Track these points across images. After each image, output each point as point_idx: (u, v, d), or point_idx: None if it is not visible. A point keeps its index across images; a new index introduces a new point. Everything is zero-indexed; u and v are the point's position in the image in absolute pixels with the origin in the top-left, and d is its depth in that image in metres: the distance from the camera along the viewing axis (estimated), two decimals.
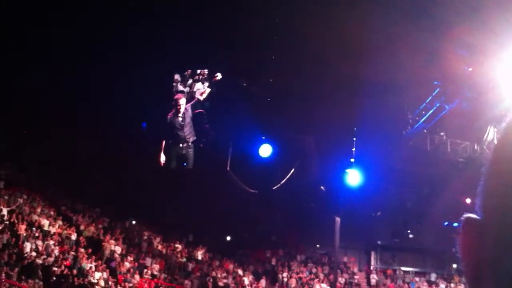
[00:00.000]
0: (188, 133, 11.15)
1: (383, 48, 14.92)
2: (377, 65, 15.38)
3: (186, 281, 25.31)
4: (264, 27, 15.67)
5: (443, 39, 14.57)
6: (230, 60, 15.99)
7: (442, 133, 18.75)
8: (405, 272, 31.58)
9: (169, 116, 11.18)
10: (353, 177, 20.04)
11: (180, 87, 11.89)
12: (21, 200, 21.97)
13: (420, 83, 16.62)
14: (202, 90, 11.83)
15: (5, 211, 19.69)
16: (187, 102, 11.26)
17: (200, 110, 11.57)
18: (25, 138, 25.78)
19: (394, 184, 22.55)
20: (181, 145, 11.17)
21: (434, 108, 17.16)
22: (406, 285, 29.60)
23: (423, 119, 17.76)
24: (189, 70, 12.62)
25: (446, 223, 26.06)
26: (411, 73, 15.84)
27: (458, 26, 14.25)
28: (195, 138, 11.34)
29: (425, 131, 18.48)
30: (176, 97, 11.19)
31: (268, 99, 17.69)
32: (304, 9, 14.73)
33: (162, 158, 11.30)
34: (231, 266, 29.43)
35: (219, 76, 11.50)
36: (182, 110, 10.94)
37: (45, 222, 21.56)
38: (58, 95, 21.35)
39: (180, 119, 11.00)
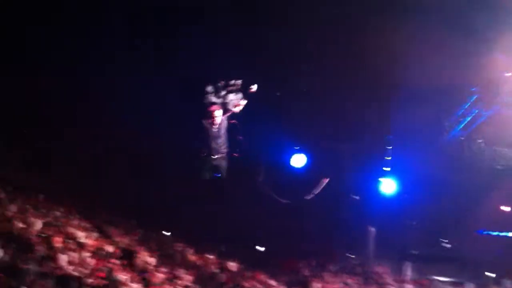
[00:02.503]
0: (222, 144, 11.13)
1: (419, 54, 14.70)
2: (413, 71, 15.18)
3: None
4: (295, 35, 15.62)
5: (480, 43, 14.32)
6: (262, 69, 15.93)
7: (480, 140, 18.37)
8: (441, 282, 30.96)
9: (204, 122, 11.16)
10: (388, 186, 19.75)
11: (213, 99, 11.86)
12: (58, 213, 22.18)
13: (457, 89, 16.32)
14: (235, 101, 11.77)
15: (40, 223, 19.88)
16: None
17: (233, 121, 11.53)
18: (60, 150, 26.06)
19: (430, 193, 22.13)
20: (215, 156, 11.15)
21: (472, 114, 16.82)
22: None
23: (460, 126, 17.41)
24: (222, 82, 12.56)
25: (483, 232, 25.55)
26: (447, 79, 15.57)
27: (495, 30, 14.01)
28: (228, 149, 11.32)
29: (462, 138, 18.12)
30: (211, 109, 11.16)
31: (302, 109, 17.57)
32: (338, 15, 14.62)
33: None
34: (263, 277, 29.24)
35: (254, 88, 11.41)
36: (218, 121, 10.90)
37: (80, 234, 21.71)
38: (95, 108, 21.58)
39: (216, 130, 10.97)
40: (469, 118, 16.94)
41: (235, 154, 12.08)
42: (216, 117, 10.93)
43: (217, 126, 11.00)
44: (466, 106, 16.83)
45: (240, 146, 12.35)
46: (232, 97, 11.90)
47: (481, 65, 14.93)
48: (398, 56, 15.07)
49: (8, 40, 18.44)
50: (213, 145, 11.10)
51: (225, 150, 11.42)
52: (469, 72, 15.31)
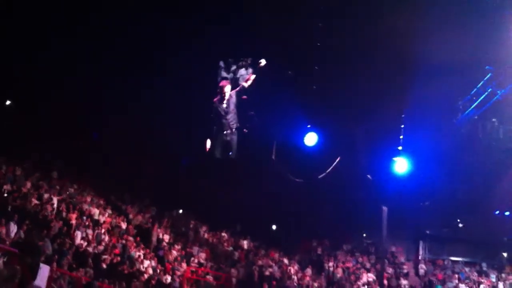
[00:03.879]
0: (232, 119, 11.04)
1: (433, 32, 14.52)
2: (426, 50, 15.03)
3: (233, 270, 25.43)
4: (309, 14, 15.51)
5: (495, 23, 14.09)
6: (275, 47, 15.87)
7: (494, 120, 18.12)
8: (454, 262, 30.87)
9: (214, 102, 11.13)
10: (401, 166, 19.63)
11: (224, 74, 11.83)
12: (72, 190, 22.47)
13: (471, 68, 16.11)
14: (246, 76, 11.74)
15: (55, 201, 20.14)
16: (231, 89, 11.16)
17: (245, 97, 11.45)
18: (77, 131, 26.31)
19: (444, 173, 21.97)
20: (225, 132, 11.10)
21: (486, 93, 16.58)
22: (456, 275, 28.93)
23: (474, 105, 17.19)
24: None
25: (497, 212, 25.37)
26: (461, 58, 15.37)
27: (510, 10, 13.79)
28: (238, 125, 11.26)
29: (476, 117, 17.90)
30: (221, 84, 11.08)
31: (314, 87, 17.47)
32: None
33: (208, 144, 11.27)
34: (276, 255, 29.42)
35: (263, 62, 11.32)
36: (227, 97, 10.85)
37: (95, 212, 21.99)
38: (105, 84, 21.68)
39: (225, 105, 10.89)
40: (483, 97, 16.72)
41: (245, 130, 12.02)
42: (225, 92, 10.87)
43: (227, 101, 10.92)
44: (480, 85, 16.62)
45: (251, 121, 12.30)
46: (242, 72, 11.85)
47: (496, 44, 14.70)
48: (413, 36, 14.92)
49: None
50: (223, 120, 11.04)
51: (234, 126, 11.33)
52: (483, 51, 15.10)
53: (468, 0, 13.85)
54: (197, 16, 17.05)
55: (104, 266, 18.57)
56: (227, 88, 10.82)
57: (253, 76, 11.05)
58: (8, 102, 26.50)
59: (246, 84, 10.93)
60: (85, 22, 18.88)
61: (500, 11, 13.42)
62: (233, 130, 11.06)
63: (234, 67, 11.68)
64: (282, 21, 15.68)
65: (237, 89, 10.97)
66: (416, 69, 15.92)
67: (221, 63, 11.86)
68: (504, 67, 15.46)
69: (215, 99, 10.98)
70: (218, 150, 11.22)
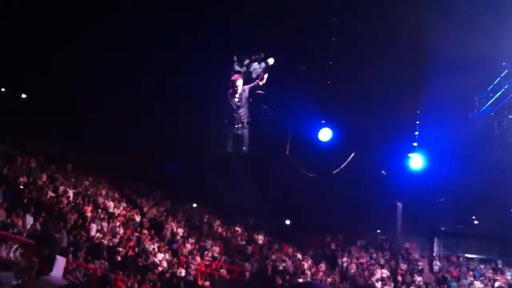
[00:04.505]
0: (244, 114, 11.03)
1: (450, 28, 14.40)
2: (443, 46, 14.91)
3: (246, 264, 25.54)
4: (324, 9, 15.46)
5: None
6: (289, 42, 15.86)
7: (510, 116, 17.95)
8: (469, 259, 30.75)
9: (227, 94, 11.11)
10: (416, 161, 19.52)
11: (237, 67, 11.84)
12: (87, 183, 22.69)
13: (488, 64, 15.95)
14: (259, 70, 11.73)
15: (71, 193, 20.37)
16: (244, 83, 11.15)
17: (259, 92, 11.43)
18: (90, 123, 26.54)
19: (459, 169, 21.79)
20: (236, 125, 11.08)
21: (502, 90, 16.40)
22: (471, 272, 28.81)
23: (490, 101, 17.01)
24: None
25: None
26: (478, 54, 15.23)
27: None
28: (249, 120, 11.24)
29: (492, 114, 17.72)
30: (233, 78, 11.05)
31: (328, 82, 17.43)
32: None
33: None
34: (290, 250, 29.49)
35: (271, 61, 11.31)
36: (239, 91, 10.83)
37: (110, 204, 22.20)
38: (118, 80, 21.82)
39: (237, 99, 10.88)
40: (499, 94, 16.56)
41: (260, 119, 12.03)
42: (237, 86, 10.84)
43: (239, 95, 10.89)
44: (496, 81, 16.46)
45: (265, 115, 12.30)
46: (255, 66, 11.84)
47: None
48: (429, 31, 14.81)
49: None
50: (235, 114, 11.02)
51: (246, 120, 11.30)
52: (500, 47, 14.95)
53: None
54: (211, 8, 17.07)
55: (119, 258, 18.76)
56: (239, 82, 10.82)
57: (266, 75, 11.05)
58: (23, 96, 26.80)
59: (260, 83, 10.94)
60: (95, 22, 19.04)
61: None
62: (245, 124, 11.05)
63: (247, 61, 11.67)
64: (296, 16, 15.63)
65: (251, 85, 10.97)
66: (432, 64, 15.79)
67: (234, 57, 11.86)
68: None
69: (228, 92, 11.00)
70: (229, 144, 11.24)
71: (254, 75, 11.30)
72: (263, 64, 11.39)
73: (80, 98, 23.93)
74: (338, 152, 20.07)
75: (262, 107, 11.41)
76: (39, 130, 23.64)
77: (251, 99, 10.94)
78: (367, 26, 15.92)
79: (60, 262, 14.36)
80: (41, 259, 9.07)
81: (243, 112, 10.97)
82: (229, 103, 10.94)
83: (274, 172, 25.64)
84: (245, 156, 11.88)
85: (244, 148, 11.37)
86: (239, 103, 10.87)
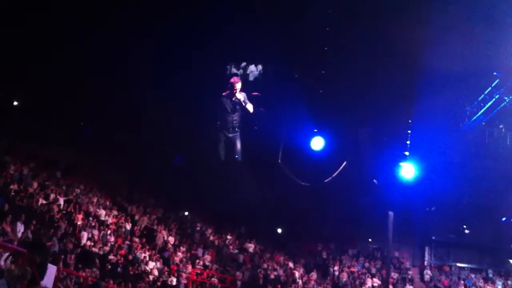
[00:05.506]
0: (237, 118, 10.95)
1: (440, 39, 14.53)
2: (434, 56, 15.02)
3: (238, 273, 25.47)
4: (317, 18, 15.54)
5: (503, 29, 14.10)
6: (282, 51, 15.93)
7: (501, 126, 18.12)
8: (460, 268, 30.83)
9: (222, 96, 10.98)
10: (408, 171, 19.58)
11: (234, 70, 11.80)
12: (78, 190, 22.58)
13: (479, 74, 16.09)
14: (256, 73, 11.72)
15: (62, 201, 20.26)
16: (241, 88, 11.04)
17: (256, 93, 11.36)
18: (82, 128, 26.51)
19: (451, 178, 21.92)
20: (228, 128, 10.98)
21: (493, 100, 16.54)
22: (462, 282, 28.87)
23: (481, 111, 17.15)
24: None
25: (504, 219, 25.29)
26: (469, 64, 15.37)
27: None
28: (241, 126, 11.15)
29: (483, 123, 17.88)
30: (232, 80, 10.93)
31: (321, 91, 17.49)
32: (359, 1, 14.53)
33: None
34: (282, 259, 29.44)
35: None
36: (237, 95, 10.70)
37: (101, 212, 22.09)
38: (115, 79, 21.81)
39: (232, 103, 10.79)
40: (490, 103, 16.69)
41: (255, 127, 11.96)
42: (236, 89, 10.73)
43: (236, 99, 10.78)
44: (487, 91, 16.59)
45: (261, 119, 12.25)
46: (252, 68, 11.82)
47: (504, 50, 14.69)
48: (420, 41, 14.91)
49: None
50: (228, 118, 10.91)
51: (238, 125, 11.20)
52: (491, 57, 15.08)
53: (476, 7, 13.83)
54: (204, 18, 17.13)
55: (110, 266, 18.65)
56: (238, 85, 10.71)
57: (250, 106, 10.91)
58: (15, 103, 26.71)
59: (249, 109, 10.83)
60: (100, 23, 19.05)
61: (507, 18, 13.41)
62: (236, 129, 10.95)
63: (244, 63, 11.67)
64: (289, 25, 15.72)
65: (245, 102, 10.82)
66: (424, 74, 15.89)
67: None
68: (511, 73, 15.44)
69: (224, 93, 10.89)
70: (222, 152, 11.15)
71: (251, 78, 11.29)
72: (260, 67, 11.39)
73: (73, 103, 23.89)
74: (330, 161, 20.10)
75: (259, 109, 11.29)
76: (32, 135, 23.57)
77: (246, 104, 10.79)
78: (360, 36, 16.01)
79: (51, 271, 14.24)
80: (33, 268, 9.00)
81: (236, 116, 10.88)
82: (223, 105, 10.83)
83: (266, 181, 25.65)
84: (237, 165, 11.81)
85: (236, 156, 11.30)
86: (233, 107, 10.78)
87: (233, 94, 10.67)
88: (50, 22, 19.40)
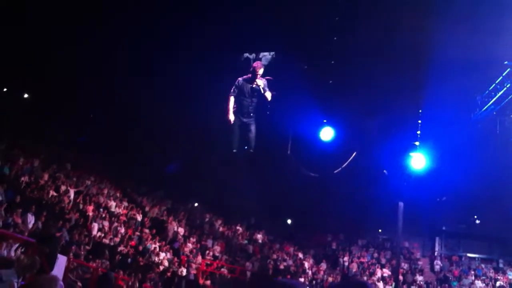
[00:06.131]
0: (253, 103, 10.82)
1: (451, 27, 14.37)
2: (444, 45, 14.88)
3: (247, 263, 25.53)
4: (326, 8, 15.43)
5: None
6: (291, 41, 15.85)
7: None
8: (471, 258, 30.73)
9: (240, 80, 10.84)
10: (418, 161, 19.47)
11: (246, 54, 11.72)
12: (88, 182, 22.68)
13: (490, 63, 15.92)
14: (269, 57, 11.63)
15: (72, 193, 20.36)
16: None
17: (269, 78, 11.24)
18: (92, 122, 26.59)
19: (461, 169, 21.78)
20: (244, 114, 10.86)
21: (504, 89, 16.39)
22: (472, 272, 28.79)
23: (492, 100, 17.00)
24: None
25: None
26: (479, 53, 15.20)
27: None
28: (255, 114, 11.03)
29: (494, 113, 17.73)
30: (255, 65, 10.80)
31: (330, 81, 17.39)
32: None
33: (231, 116, 10.96)
34: (291, 249, 29.48)
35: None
36: (258, 80, 10.56)
37: (111, 204, 22.19)
38: (119, 80, 21.85)
39: (251, 87, 10.67)
40: (501, 93, 16.53)
41: (267, 112, 11.84)
42: (258, 74, 10.62)
43: (256, 85, 10.66)
44: (499, 80, 16.43)
45: (273, 103, 12.13)
46: (265, 53, 11.74)
47: None
48: (430, 30, 14.78)
49: None
50: (244, 101, 10.79)
51: (253, 111, 11.07)
52: (502, 46, 14.92)
53: None
54: (212, 9, 17.08)
55: (120, 257, 18.75)
56: (261, 71, 10.58)
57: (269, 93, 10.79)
58: (26, 95, 26.83)
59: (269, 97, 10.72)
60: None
61: None
62: (251, 114, 10.82)
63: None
64: (298, 15, 15.62)
65: (264, 89, 10.68)
66: (434, 63, 15.74)
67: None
68: None
69: (240, 78, 10.76)
70: (235, 139, 11.00)
71: (264, 62, 11.15)
72: (273, 52, 11.26)
73: (80, 98, 23.97)
74: (340, 152, 20.02)
75: (272, 93, 11.13)
76: (39, 130, 23.66)
77: (265, 92, 10.65)
78: (369, 26, 15.89)
79: (61, 261, 14.33)
80: (42, 258, 9.07)
81: (253, 101, 10.75)
82: (242, 88, 10.69)
83: (275, 172, 25.61)
84: (247, 156, 11.69)
85: (248, 147, 11.15)
86: (251, 92, 10.64)
87: (254, 79, 10.53)
88: (51, 20, 19.41)
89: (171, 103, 22.71)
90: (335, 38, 16.10)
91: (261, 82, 10.47)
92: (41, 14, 19.50)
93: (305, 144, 19.43)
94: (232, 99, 10.69)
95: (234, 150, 11.03)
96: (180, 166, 27.24)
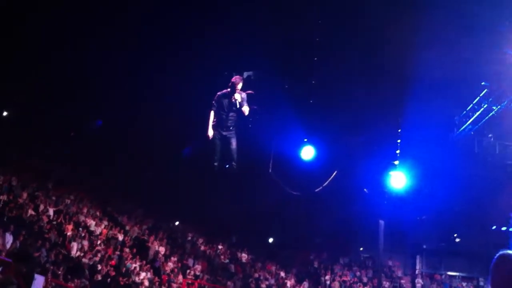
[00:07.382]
0: (232, 117, 10.79)
1: (430, 46, 14.60)
2: (423, 65, 15.09)
3: (229, 282, 25.39)
4: (306, 27, 15.61)
5: (491, 39, 14.19)
6: (272, 60, 15.97)
7: (490, 135, 18.21)
8: (452, 276, 30.86)
9: (219, 94, 10.82)
10: (398, 180, 19.62)
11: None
12: (68, 201, 22.48)
13: (468, 83, 16.18)
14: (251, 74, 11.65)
15: (51, 212, 20.17)
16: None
17: (250, 92, 11.24)
18: (74, 139, 26.39)
19: (441, 187, 21.98)
20: (223, 128, 10.84)
21: (482, 109, 16.63)
22: None
23: (470, 121, 17.24)
24: None
25: (494, 227, 25.34)
26: (458, 73, 15.45)
27: (507, 26, 13.89)
28: (236, 126, 11.00)
29: (472, 133, 17.96)
30: (233, 79, 10.82)
31: (311, 101, 17.54)
32: (347, 9, 14.60)
33: (210, 131, 10.92)
34: (273, 268, 29.37)
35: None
36: (236, 96, 10.54)
37: (91, 223, 22.00)
38: (108, 91, 21.77)
39: (229, 101, 10.66)
40: (479, 113, 16.77)
41: (249, 126, 11.85)
42: (237, 89, 10.62)
43: (234, 100, 10.65)
44: (476, 101, 16.68)
45: (255, 116, 12.11)
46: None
47: (492, 60, 14.77)
48: (410, 50, 14.99)
49: None
50: (223, 116, 10.77)
51: (233, 124, 11.04)
52: (479, 66, 15.17)
53: (465, 15, 13.92)
54: (192, 29, 17.14)
55: (100, 277, 18.55)
56: (239, 85, 10.59)
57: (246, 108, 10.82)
58: (5, 113, 26.61)
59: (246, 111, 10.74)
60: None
61: (496, 27, 13.51)
62: (231, 128, 10.80)
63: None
64: (278, 34, 15.78)
65: (241, 104, 10.69)
66: (413, 83, 15.96)
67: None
68: (500, 83, 15.53)
69: (219, 93, 10.76)
70: (217, 156, 10.93)
71: (244, 76, 11.19)
72: (251, 72, 11.30)
73: (64, 113, 23.81)
74: (321, 170, 20.11)
75: (253, 107, 11.16)
76: (22, 145, 23.47)
77: (242, 107, 10.65)
78: (350, 45, 16.09)
79: (39, 281, 14.17)
80: (19, 278, 8.96)
81: (232, 116, 10.75)
82: (221, 103, 10.69)
83: (257, 190, 25.61)
84: (228, 173, 11.63)
85: (233, 163, 11.06)
86: (230, 107, 10.64)
87: (233, 93, 10.53)
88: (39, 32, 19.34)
89: (151, 121, 22.68)
90: (315, 58, 16.28)
91: (238, 97, 10.47)
92: (24, 29, 19.44)
93: (286, 163, 19.50)
94: (212, 113, 10.73)
95: (215, 163, 10.96)
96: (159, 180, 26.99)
